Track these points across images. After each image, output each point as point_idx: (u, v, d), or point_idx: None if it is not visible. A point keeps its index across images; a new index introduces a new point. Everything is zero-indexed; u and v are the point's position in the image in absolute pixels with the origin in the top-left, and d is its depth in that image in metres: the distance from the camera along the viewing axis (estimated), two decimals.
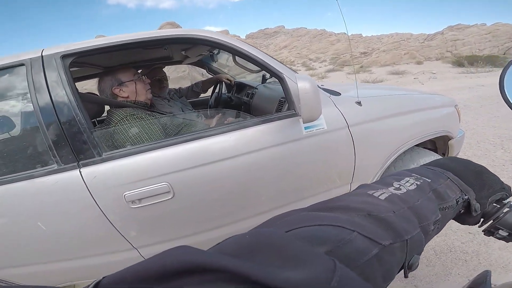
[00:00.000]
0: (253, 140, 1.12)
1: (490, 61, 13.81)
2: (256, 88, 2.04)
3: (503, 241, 0.45)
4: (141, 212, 1.04)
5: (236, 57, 1.90)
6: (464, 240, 1.67)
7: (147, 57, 1.93)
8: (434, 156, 1.55)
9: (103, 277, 0.20)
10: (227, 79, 2.31)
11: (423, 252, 1.31)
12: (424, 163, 1.42)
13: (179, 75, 9.52)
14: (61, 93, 0.99)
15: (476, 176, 0.42)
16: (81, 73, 1.86)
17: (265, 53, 1.22)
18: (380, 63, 18.81)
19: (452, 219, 0.42)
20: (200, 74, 8.71)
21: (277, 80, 1.20)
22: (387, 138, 1.36)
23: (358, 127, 1.27)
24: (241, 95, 2.25)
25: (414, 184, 0.37)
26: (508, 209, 0.43)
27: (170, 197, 1.04)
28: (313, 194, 1.30)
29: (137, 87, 1.30)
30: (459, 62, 14.97)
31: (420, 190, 0.36)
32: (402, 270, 0.31)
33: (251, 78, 2.46)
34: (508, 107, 0.47)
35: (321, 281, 0.19)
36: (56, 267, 1.16)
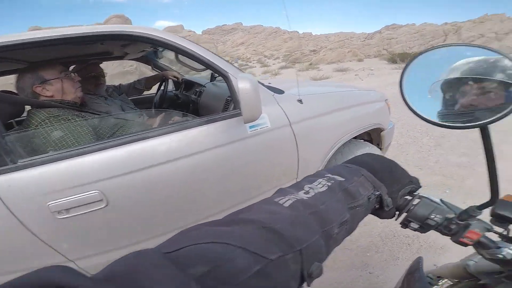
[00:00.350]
0: (197, 141, 1.10)
1: None
2: (204, 86, 1.99)
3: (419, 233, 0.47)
4: (70, 222, 0.94)
5: (179, 55, 1.82)
6: None
7: (82, 53, 1.74)
8: (369, 147, 1.71)
9: None
10: (174, 76, 2.21)
11: (371, 239, 1.41)
12: (361, 153, 1.52)
13: (126, 70, 8.80)
14: None
15: (388, 172, 0.45)
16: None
17: (210, 51, 1.20)
18: (327, 61, 19.98)
19: (371, 214, 0.45)
20: (149, 69, 8.13)
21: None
22: (327, 133, 1.45)
23: (299, 125, 1.32)
24: (189, 93, 2.17)
25: (325, 185, 0.38)
26: (417, 201, 0.46)
27: (103, 206, 0.96)
28: (260, 193, 1.33)
29: (64, 85, 1.17)
30: (393, 59, 16.83)
31: (330, 191, 0.37)
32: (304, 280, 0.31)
33: (203, 75, 2.39)
34: (408, 108, 0.51)
35: None
36: None
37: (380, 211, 0.45)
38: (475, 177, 2.35)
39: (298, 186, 0.39)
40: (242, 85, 1.00)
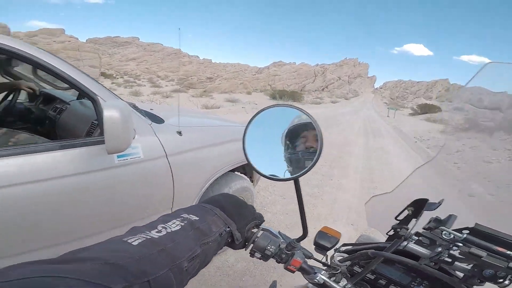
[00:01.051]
0: (48, 167, 0.94)
1: (292, 96, 19.41)
2: (68, 104, 1.72)
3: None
4: None
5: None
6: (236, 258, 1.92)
7: None
8: (243, 180, 1.87)
9: None
10: (29, 88, 1.81)
11: (245, 264, 1.48)
12: (235, 185, 1.65)
13: None
14: None
15: (237, 210, 0.52)
16: None
17: (78, 69, 1.08)
18: (220, 90, 21.16)
19: (226, 246, 0.52)
20: None
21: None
22: (204, 166, 1.52)
23: (176, 157, 1.34)
24: (47, 108, 1.81)
25: (179, 225, 0.42)
26: (261, 232, 0.54)
27: None
28: (135, 220, 1.24)
29: None
30: (273, 95, 19.85)
31: (182, 230, 0.41)
32: None
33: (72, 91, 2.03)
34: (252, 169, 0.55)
35: None
36: None
37: (232, 244, 0.52)
38: (322, 205, 2.92)
39: (152, 226, 0.41)
40: (108, 113, 0.93)
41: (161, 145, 1.28)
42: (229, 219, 0.50)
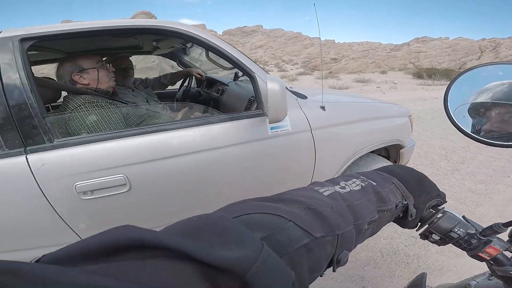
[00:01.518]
0: (218, 137, 1.13)
1: (446, 74, 15.09)
2: (227, 85, 2.03)
3: (437, 245, 0.50)
4: (92, 204, 0.99)
5: (210, 52, 1.87)
6: (407, 243, 1.79)
7: (114, 45, 1.82)
8: (386, 163, 1.68)
9: (43, 255, 0.20)
10: (198, 74, 2.27)
11: (372, 254, 1.39)
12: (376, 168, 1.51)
13: (148, 65, 9.08)
14: (14, 76, 0.91)
15: (418, 183, 0.46)
16: (39, 57, 1.71)
17: (239, 51, 1.23)
18: (348, 70, 19.70)
19: (394, 222, 0.47)
20: (170, 66, 8.37)
21: (248, 79, 1.22)
22: (346, 143, 1.44)
23: (320, 131, 1.33)
24: (211, 91, 2.22)
25: (359, 185, 0.40)
26: (441, 214, 0.48)
27: (125, 190, 1.00)
28: (273, 191, 1.34)
29: (99, 74, 1.23)
30: (419, 74, 16.08)
31: (363, 191, 0.39)
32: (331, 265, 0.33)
33: (223, 74, 2.44)
34: (451, 124, 0.51)
35: (248, 260, 0.21)
36: (2, 257, 1.05)
37: (403, 220, 0.46)
38: (489, 204, 2.26)
39: (334, 182, 0.41)
40: (271, 85, 1.03)
41: (306, 119, 1.30)
42: (407, 192, 0.44)
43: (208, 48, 1.18)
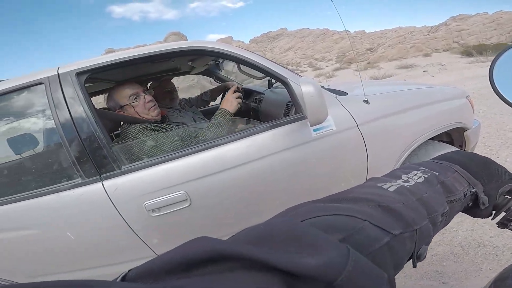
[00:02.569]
0: (264, 146, 1.15)
1: (499, 49, 13.38)
2: (263, 94, 2.07)
3: None
4: (161, 220, 1.09)
5: (241, 65, 1.94)
6: (493, 234, 1.60)
7: (155, 70, 1.99)
8: (450, 149, 1.53)
9: (129, 270, 0.20)
10: (236, 87, 2.35)
11: (450, 248, 1.26)
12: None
13: (188, 84, 9.71)
14: (79, 110, 1.04)
15: (484, 168, 0.42)
16: (94, 89, 1.95)
17: (267, 58, 1.26)
18: (387, 58, 18.55)
19: (463, 212, 0.42)
20: (208, 82, 8.81)
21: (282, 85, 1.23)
22: (399, 134, 1.35)
23: (367, 126, 1.27)
24: (249, 101, 2.28)
25: (422, 177, 0.37)
26: None
27: (187, 205, 1.08)
28: (328, 194, 1.31)
29: (136, 109, 1.27)
30: (467, 52, 14.61)
31: (428, 183, 0.36)
32: (411, 260, 0.32)
33: (258, 83, 2.49)
34: (498, 97, 0.48)
35: (337, 265, 0.20)
36: (85, 275, 1.22)
37: (474, 209, 0.42)
38: None
39: (393, 175, 0.39)
40: (306, 89, 1.02)
41: (350, 115, 1.26)
42: (473, 179, 0.40)
43: (238, 61, 1.23)
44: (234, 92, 1.35)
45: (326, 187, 1.30)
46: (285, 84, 1.20)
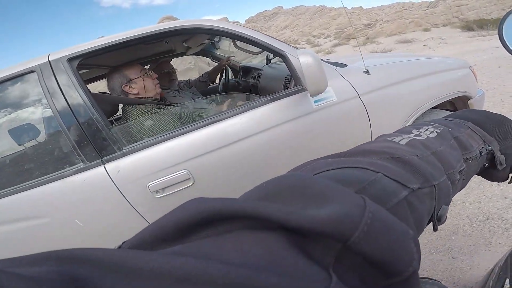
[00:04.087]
0: (264, 119, 1.14)
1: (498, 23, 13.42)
2: (261, 70, 2.03)
3: None
4: (165, 201, 1.09)
5: (237, 41, 1.89)
6: (501, 206, 1.57)
7: (150, 52, 1.95)
8: None
9: (123, 242, 0.19)
10: (228, 60, 2.31)
11: (458, 222, 1.26)
12: None
13: (186, 67, 9.60)
14: (75, 95, 1.03)
15: (498, 125, 0.38)
16: (91, 75, 1.91)
17: (263, 33, 1.22)
18: (386, 33, 18.15)
19: (479, 175, 0.39)
20: (206, 64, 8.66)
21: (280, 59, 1.20)
22: (402, 103, 1.34)
23: (369, 95, 1.25)
24: (247, 78, 2.25)
25: (434, 132, 0.34)
26: None
27: (190, 184, 1.08)
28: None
29: (145, 83, 1.30)
30: (468, 26, 14.59)
31: (441, 137, 0.33)
32: (431, 223, 0.28)
33: (256, 61, 2.45)
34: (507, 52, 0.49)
35: (352, 218, 0.16)
36: None
37: (490, 171, 0.38)
38: None
39: (404, 131, 0.35)
40: (304, 59, 1.01)
41: (351, 86, 1.23)
42: (488, 136, 0.37)
43: (233, 37, 1.20)
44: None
45: None
46: (283, 57, 1.18)
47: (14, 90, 1.09)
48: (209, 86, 2.58)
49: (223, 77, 2.41)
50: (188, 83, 2.28)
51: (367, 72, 1.31)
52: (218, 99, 1.50)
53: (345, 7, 1.37)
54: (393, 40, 13.94)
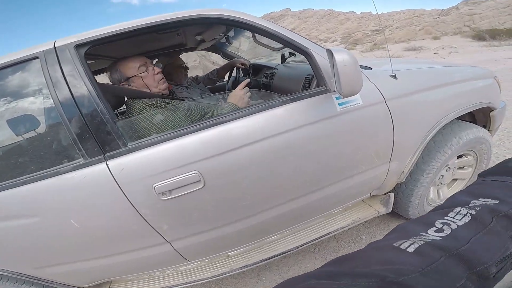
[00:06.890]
0: (283, 120, 1.04)
1: (511, 34, 13.19)
2: (275, 68, 1.94)
3: None
4: (172, 204, 0.99)
5: (256, 35, 1.80)
6: None
7: (159, 46, 1.85)
8: (476, 128, 1.44)
9: None
10: (242, 64, 2.22)
11: None
12: (466, 136, 1.29)
13: (191, 65, 9.55)
14: (79, 84, 0.93)
15: None
16: (95, 67, 1.82)
17: (287, 29, 1.13)
18: (394, 40, 18.09)
19: None
20: (211, 63, 8.58)
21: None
22: (427, 111, 1.25)
23: (395, 101, 1.16)
24: (258, 77, 2.16)
25: (468, 215, 0.29)
26: None
27: (201, 187, 0.98)
28: (350, 176, 1.22)
29: (144, 80, 1.19)
30: (479, 36, 14.49)
31: (476, 222, 0.28)
32: None
33: (266, 60, 2.38)
34: None
35: None
36: (92, 264, 1.15)
37: None
38: None
39: (426, 222, 0.31)
40: (339, 57, 0.91)
41: (377, 89, 1.14)
42: None
43: (255, 30, 1.10)
44: (245, 86, 1.21)
45: (349, 167, 1.21)
46: (307, 54, 1.09)
47: (15, 78, 1.01)
48: (217, 84, 2.51)
49: (233, 75, 2.34)
50: (196, 80, 2.22)
51: (394, 76, 1.22)
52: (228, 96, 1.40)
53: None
54: (401, 47, 13.85)
